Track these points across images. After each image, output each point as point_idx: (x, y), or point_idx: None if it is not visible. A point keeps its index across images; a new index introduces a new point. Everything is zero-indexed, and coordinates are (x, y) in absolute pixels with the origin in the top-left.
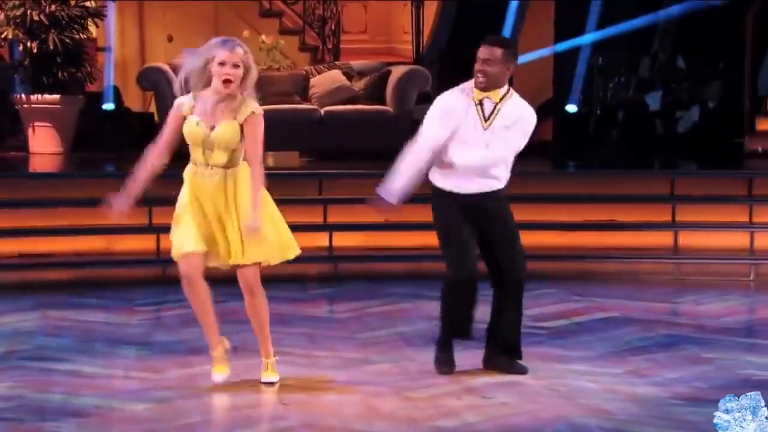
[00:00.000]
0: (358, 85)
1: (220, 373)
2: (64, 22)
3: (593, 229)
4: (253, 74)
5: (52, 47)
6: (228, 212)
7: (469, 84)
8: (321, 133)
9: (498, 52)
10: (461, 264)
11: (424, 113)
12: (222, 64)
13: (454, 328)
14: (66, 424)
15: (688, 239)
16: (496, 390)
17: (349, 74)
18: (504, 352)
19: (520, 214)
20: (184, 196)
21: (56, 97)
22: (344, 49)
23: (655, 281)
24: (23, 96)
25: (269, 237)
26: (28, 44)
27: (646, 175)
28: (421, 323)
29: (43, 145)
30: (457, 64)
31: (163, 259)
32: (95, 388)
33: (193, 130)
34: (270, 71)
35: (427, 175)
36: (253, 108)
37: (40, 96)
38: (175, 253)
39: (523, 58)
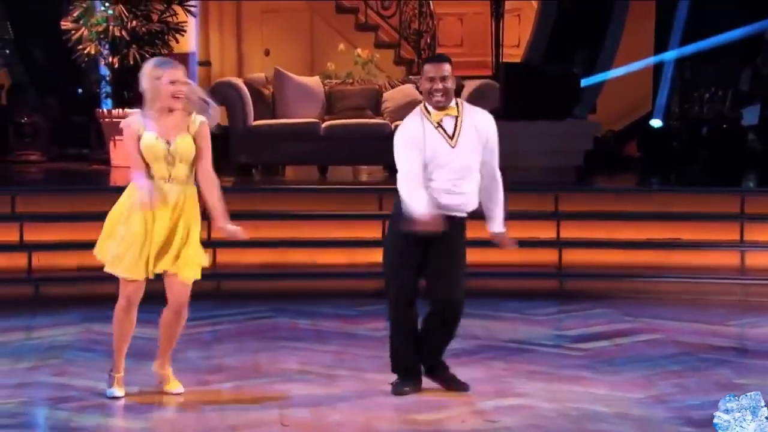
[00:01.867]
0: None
1: (117, 390)
2: (146, 37)
3: (656, 247)
4: (196, 89)
5: (132, 62)
6: (176, 228)
7: (418, 109)
8: (391, 148)
9: (448, 66)
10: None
11: None
12: (173, 82)
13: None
14: None
15: (757, 259)
16: (505, 413)
17: None
18: (439, 372)
19: (583, 231)
20: (134, 211)
21: (136, 111)
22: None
23: (718, 302)
24: (105, 110)
25: (201, 255)
26: (110, 59)
27: (715, 192)
28: (454, 343)
29: (124, 159)
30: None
31: (220, 273)
32: (103, 405)
33: (153, 144)
34: (343, 86)
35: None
36: (202, 119)
37: (121, 110)
38: (121, 271)
39: (622, 71)
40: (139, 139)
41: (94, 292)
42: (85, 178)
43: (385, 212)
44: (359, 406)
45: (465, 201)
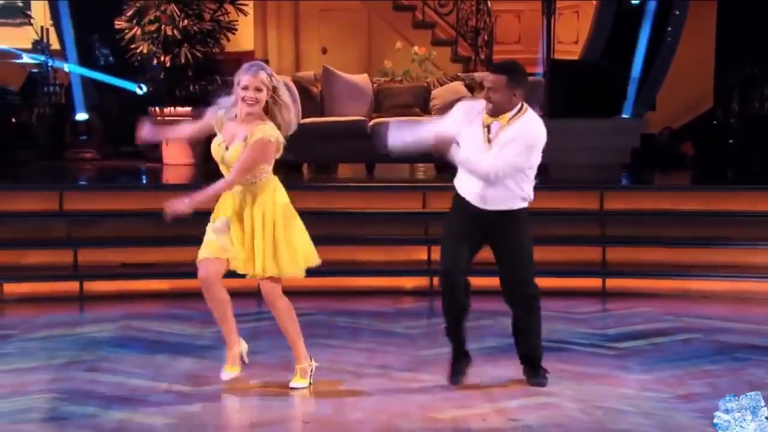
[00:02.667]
0: (479, 96)
1: (227, 371)
2: (198, 36)
3: (703, 246)
4: (283, 98)
5: (183, 61)
6: (255, 227)
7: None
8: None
9: (503, 79)
10: (448, 259)
11: None
12: (245, 88)
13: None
14: None
15: None
16: (528, 412)
17: (471, 86)
18: (525, 364)
19: (628, 229)
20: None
21: (188, 109)
22: (497, 60)
23: (764, 302)
24: (158, 108)
25: (282, 251)
26: (162, 58)
27: (763, 190)
28: (490, 341)
29: (176, 157)
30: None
31: None
32: (130, 401)
33: (214, 150)
34: (392, 83)
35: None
36: (263, 134)
37: (173, 109)
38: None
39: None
40: (211, 127)
41: (137, 289)
42: (135, 175)
43: (429, 210)
44: (382, 405)
45: (501, 201)
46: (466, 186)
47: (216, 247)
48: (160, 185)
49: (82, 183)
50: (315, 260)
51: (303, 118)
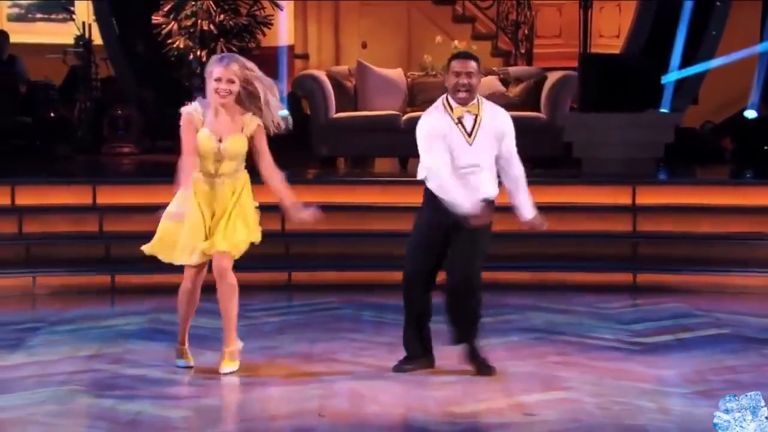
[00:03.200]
0: (514, 91)
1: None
2: (235, 30)
3: (736, 241)
4: (259, 87)
5: None
6: (223, 211)
7: (441, 102)
8: None
9: (474, 64)
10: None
11: (568, 121)
12: (218, 80)
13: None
14: (95, 431)
15: None
16: (545, 407)
17: (505, 81)
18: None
19: (660, 225)
20: (187, 202)
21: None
22: (537, 54)
23: None
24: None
25: (239, 230)
26: (198, 53)
27: None
28: (515, 335)
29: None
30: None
31: (292, 265)
32: (149, 394)
33: (205, 143)
34: (426, 77)
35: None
36: (258, 121)
37: None
38: (179, 258)
39: (724, 60)
40: (196, 131)
41: (168, 282)
42: (168, 170)
43: None
44: (400, 399)
45: (476, 193)
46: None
47: (199, 253)
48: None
49: (115, 177)
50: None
51: (337, 112)
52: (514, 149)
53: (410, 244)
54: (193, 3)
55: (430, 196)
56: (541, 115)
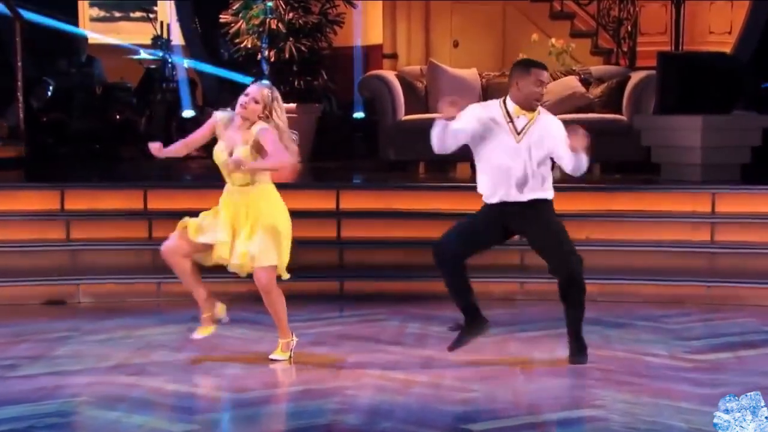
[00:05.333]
0: (595, 92)
1: (199, 333)
2: (306, 29)
3: None
4: (278, 122)
5: (288, 56)
6: (245, 225)
7: (499, 102)
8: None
9: (548, 75)
10: (448, 241)
11: (644, 123)
12: (246, 94)
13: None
14: None
15: None
16: (569, 425)
17: (586, 80)
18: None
19: (741, 234)
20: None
21: (292, 105)
22: (641, 52)
23: None
24: None
25: (272, 246)
26: (267, 53)
27: None
28: (561, 350)
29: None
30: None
31: (345, 274)
32: (159, 407)
33: (217, 155)
34: (501, 78)
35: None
36: (261, 125)
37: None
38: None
39: None
40: (214, 134)
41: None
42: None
43: None
44: (417, 416)
45: (530, 194)
46: (497, 189)
47: (194, 227)
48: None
49: (166, 182)
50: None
51: (406, 114)
52: (565, 147)
53: (454, 226)
54: (261, 1)
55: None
56: (623, 117)
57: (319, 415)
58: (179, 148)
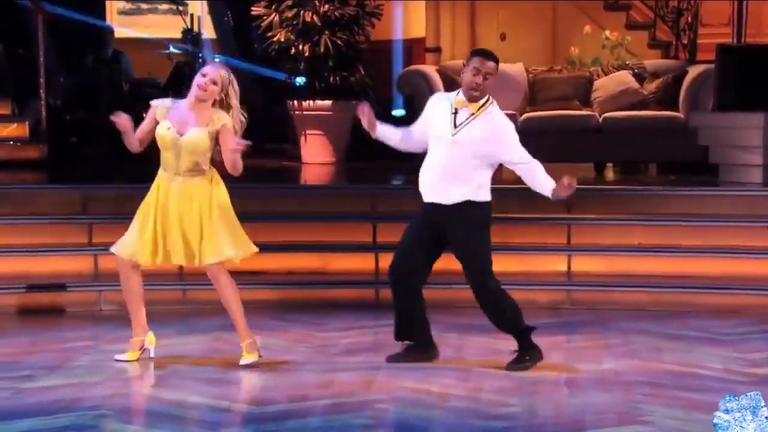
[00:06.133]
0: (649, 87)
1: (126, 356)
2: (343, 22)
3: None
4: (232, 102)
5: (323, 50)
6: (190, 217)
7: (452, 93)
8: (598, 143)
9: (493, 65)
10: (398, 260)
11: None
12: (204, 75)
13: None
14: None
15: None
16: None
17: (640, 75)
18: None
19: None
20: (149, 199)
21: (327, 103)
22: (702, 45)
23: None
24: (295, 102)
25: (222, 235)
26: (301, 47)
27: None
28: (609, 362)
29: (315, 155)
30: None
31: (382, 281)
32: (179, 420)
33: (163, 134)
34: (550, 73)
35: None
36: (225, 121)
37: (312, 102)
38: (121, 251)
39: None
40: (157, 123)
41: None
42: (262, 176)
43: (572, 216)
44: (450, 430)
45: (450, 189)
46: (428, 185)
47: (147, 251)
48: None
49: None
50: (252, 248)
51: None
52: (518, 150)
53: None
54: None
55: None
56: (679, 114)
57: (348, 431)
58: (135, 143)
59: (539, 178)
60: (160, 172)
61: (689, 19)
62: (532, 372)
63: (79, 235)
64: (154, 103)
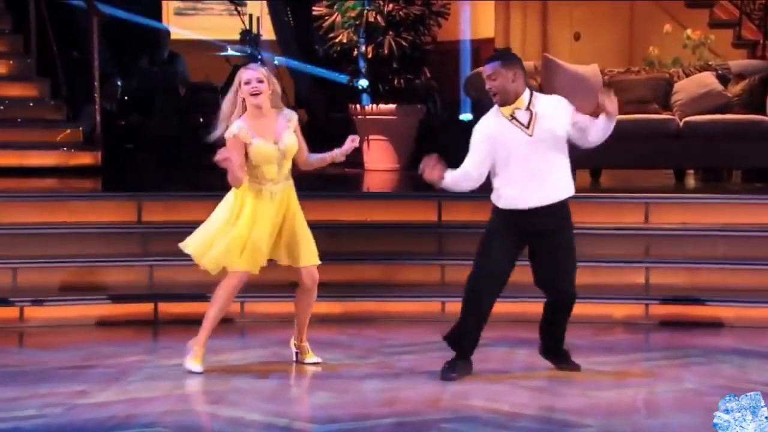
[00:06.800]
0: (734, 90)
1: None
2: (408, 22)
3: None
4: (277, 89)
5: (387, 51)
6: (284, 223)
7: (490, 111)
8: (678, 149)
9: (497, 65)
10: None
11: None
12: (248, 82)
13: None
14: None
15: None
16: None
17: (724, 77)
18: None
19: None
20: (247, 215)
21: (392, 107)
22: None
23: None
24: (358, 106)
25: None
26: (364, 48)
27: None
28: (691, 383)
29: (378, 161)
30: None
31: (449, 294)
32: None
33: (265, 150)
34: (627, 74)
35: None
36: (293, 115)
37: (375, 106)
38: (238, 264)
39: None
40: (246, 147)
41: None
42: (323, 183)
43: (651, 225)
44: None
45: (551, 188)
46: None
47: (260, 262)
48: (333, 193)
49: None
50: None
51: None
52: (582, 116)
53: (484, 237)
54: None
55: (495, 211)
56: (765, 118)
57: None
58: (242, 176)
59: (597, 122)
60: (253, 186)
61: None
62: (608, 391)
63: (134, 244)
64: (230, 132)
